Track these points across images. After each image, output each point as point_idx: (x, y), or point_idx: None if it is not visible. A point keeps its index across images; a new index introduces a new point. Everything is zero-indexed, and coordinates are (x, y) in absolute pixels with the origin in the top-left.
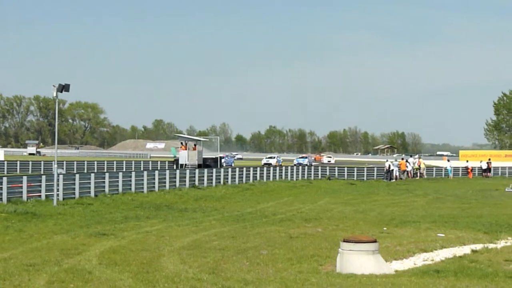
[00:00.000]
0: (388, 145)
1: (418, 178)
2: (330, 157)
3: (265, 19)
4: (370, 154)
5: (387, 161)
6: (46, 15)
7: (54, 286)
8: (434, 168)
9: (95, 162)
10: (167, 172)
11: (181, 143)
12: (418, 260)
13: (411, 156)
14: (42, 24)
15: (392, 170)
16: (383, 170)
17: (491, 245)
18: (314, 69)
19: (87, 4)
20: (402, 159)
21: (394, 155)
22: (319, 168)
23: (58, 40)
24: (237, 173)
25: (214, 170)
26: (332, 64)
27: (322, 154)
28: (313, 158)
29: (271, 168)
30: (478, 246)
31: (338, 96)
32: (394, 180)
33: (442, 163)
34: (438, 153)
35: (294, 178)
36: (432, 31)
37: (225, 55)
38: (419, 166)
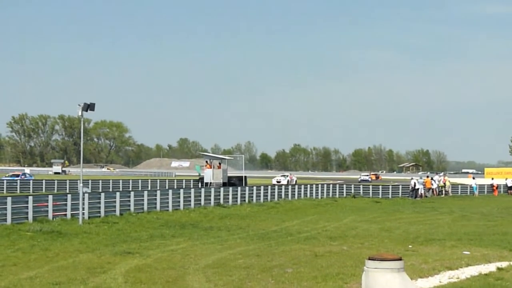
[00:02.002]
0: (413, 163)
1: (443, 195)
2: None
3: (288, 38)
4: (395, 172)
5: (412, 179)
6: (70, 34)
7: None
8: (460, 186)
9: (120, 181)
10: (192, 190)
11: (206, 161)
12: (443, 278)
13: (436, 174)
14: (67, 42)
15: (418, 188)
16: (408, 188)
17: None
18: (338, 87)
19: (112, 22)
20: (427, 176)
21: (419, 173)
22: (344, 186)
23: (83, 59)
24: (262, 191)
25: (239, 188)
26: (356, 82)
27: (381, 172)
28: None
29: (296, 186)
30: (504, 264)
31: (362, 114)
32: (419, 198)
33: (468, 181)
34: (463, 170)
35: (319, 196)
36: (457, 48)
37: (250, 74)
38: (444, 183)
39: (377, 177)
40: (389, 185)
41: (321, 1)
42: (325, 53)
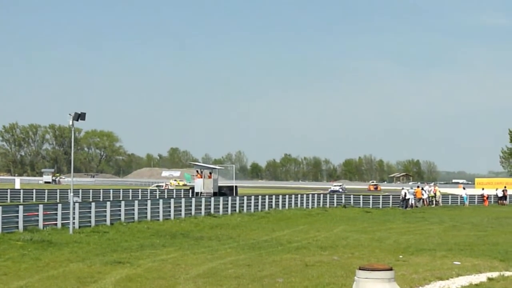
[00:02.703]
0: (404, 173)
1: (434, 206)
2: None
3: (279, 46)
4: (385, 182)
5: (402, 189)
6: (60, 43)
7: None
8: (450, 196)
9: (111, 190)
10: (183, 200)
11: (197, 171)
12: None
13: (426, 184)
14: (56, 52)
15: (408, 198)
16: (399, 198)
17: (507, 273)
18: (329, 97)
19: (101, 31)
20: (418, 187)
21: (410, 183)
22: (335, 196)
23: (73, 68)
24: (252, 201)
25: (230, 198)
26: (346, 92)
27: (371, 182)
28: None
29: (287, 196)
30: (494, 274)
31: (353, 124)
32: (410, 208)
33: (458, 191)
34: (454, 181)
35: (310, 206)
36: (446, 57)
37: (240, 83)
38: (435, 193)
39: (376, 188)
40: (379, 195)
41: (318, 9)
42: (319, 63)
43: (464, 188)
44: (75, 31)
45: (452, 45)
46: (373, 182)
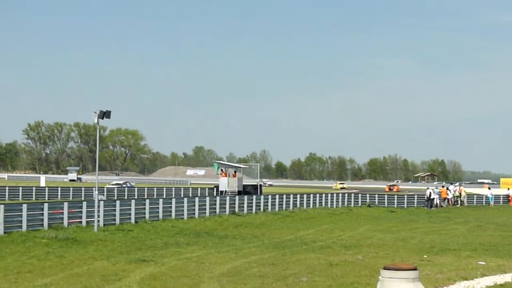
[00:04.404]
0: (429, 173)
1: (458, 205)
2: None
3: (305, 46)
4: (410, 182)
5: (428, 188)
6: (87, 41)
7: None
8: (475, 196)
9: (136, 188)
10: (207, 199)
11: (221, 170)
12: None
13: (451, 184)
14: (83, 49)
15: (433, 198)
16: (424, 197)
17: None
18: (354, 96)
19: (127, 30)
20: (443, 186)
21: (435, 183)
22: (359, 195)
23: (98, 67)
24: (277, 200)
25: (254, 197)
26: (372, 91)
27: (396, 181)
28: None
29: (311, 195)
30: None
31: (378, 123)
32: (434, 208)
33: (483, 191)
34: (479, 180)
35: (334, 205)
36: (474, 57)
37: (266, 82)
38: (460, 193)
39: (391, 189)
40: (404, 195)
41: (338, 9)
42: (342, 62)
43: (489, 188)
44: (101, 31)
45: (477, 44)
46: (398, 181)
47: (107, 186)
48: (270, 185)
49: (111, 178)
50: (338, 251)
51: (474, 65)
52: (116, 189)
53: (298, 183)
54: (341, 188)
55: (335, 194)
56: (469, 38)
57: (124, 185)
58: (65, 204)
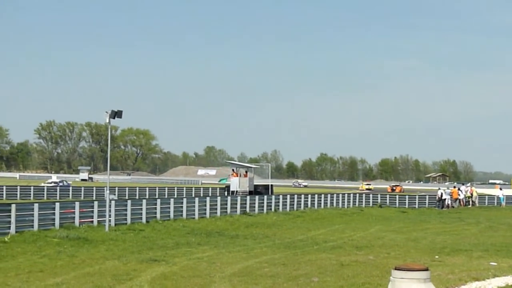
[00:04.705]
0: (440, 173)
1: (470, 206)
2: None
3: (316, 46)
4: (421, 182)
5: (439, 189)
6: (97, 42)
7: None
8: (487, 197)
9: (147, 188)
10: (219, 198)
11: (233, 169)
12: None
13: (463, 184)
14: (94, 49)
15: (444, 198)
16: (435, 198)
17: None
18: (365, 97)
19: (139, 31)
20: (454, 187)
21: (446, 183)
22: (370, 195)
23: (110, 66)
24: (288, 200)
25: (265, 197)
26: (383, 92)
27: (408, 182)
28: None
29: (322, 195)
30: None
31: (389, 123)
32: (446, 208)
33: (495, 192)
34: (490, 181)
35: (345, 206)
36: (482, 58)
37: (277, 82)
38: (472, 194)
39: (393, 189)
40: (415, 195)
41: (351, 10)
42: (353, 63)
43: (501, 189)
44: (113, 31)
45: (487, 45)
46: (409, 182)
47: (42, 184)
48: (305, 186)
49: (122, 177)
50: (349, 252)
51: (484, 65)
52: (45, 188)
53: (330, 184)
54: (367, 189)
55: (346, 194)
56: (479, 38)
57: (60, 184)
58: (77, 204)
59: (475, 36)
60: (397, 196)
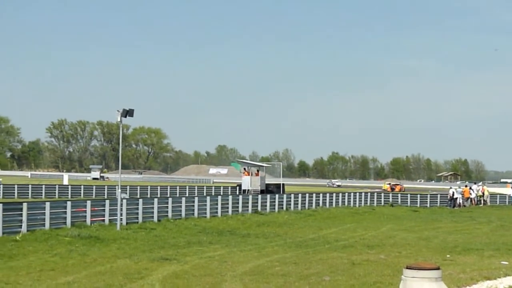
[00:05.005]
0: (452, 172)
1: (482, 205)
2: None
3: (326, 45)
4: (433, 181)
5: (450, 188)
6: (109, 40)
7: None
8: (498, 196)
9: (158, 187)
10: (230, 197)
11: (244, 168)
12: None
13: (475, 183)
14: (106, 48)
15: (456, 197)
16: (447, 197)
17: None
18: (378, 95)
19: (151, 29)
20: (466, 186)
21: (458, 182)
22: (382, 194)
23: (122, 65)
24: (299, 199)
25: (277, 196)
26: (395, 90)
27: (419, 181)
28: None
29: (334, 194)
30: None
31: (401, 122)
32: (457, 207)
33: (506, 191)
34: (502, 180)
35: (357, 205)
36: (496, 57)
37: (288, 81)
38: (483, 193)
39: (392, 188)
40: (427, 194)
41: (360, 9)
42: (365, 61)
43: None
44: (124, 29)
45: (499, 43)
46: (420, 181)
47: None
48: (339, 186)
49: (134, 176)
50: (361, 250)
51: (497, 64)
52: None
53: (362, 183)
54: (391, 188)
55: (357, 193)
56: (492, 37)
57: None
58: (88, 203)
59: (487, 35)
60: (408, 195)
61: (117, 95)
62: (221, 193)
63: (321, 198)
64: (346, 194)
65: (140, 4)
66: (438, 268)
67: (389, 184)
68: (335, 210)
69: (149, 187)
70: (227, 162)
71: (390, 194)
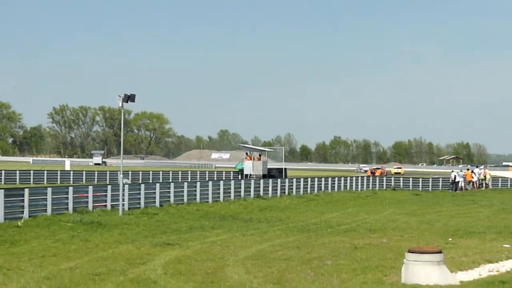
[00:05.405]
0: (454, 156)
1: (483, 188)
2: None
3: (329, 31)
4: (435, 165)
5: (452, 171)
6: (111, 25)
7: None
8: (500, 179)
9: (160, 172)
10: (232, 182)
11: (246, 153)
12: (483, 271)
13: (476, 167)
14: (107, 33)
15: (458, 181)
16: (449, 180)
17: None
18: (379, 80)
19: (153, 14)
20: (468, 169)
21: (460, 166)
22: (384, 178)
23: (123, 50)
24: (301, 183)
25: (279, 180)
26: (398, 75)
27: (397, 167)
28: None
29: (336, 179)
30: None
31: (403, 106)
32: (459, 191)
33: (508, 174)
34: (504, 163)
35: (359, 189)
36: (497, 41)
37: (290, 66)
38: (485, 176)
39: (373, 172)
40: (429, 178)
41: None
42: (367, 46)
43: None
44: (125, 14)
45: (501, 28)
46: (422, 164)
47: None
48: (366, 171)
49: (136, 162)
50: (363, 234)
51: (499, 48)
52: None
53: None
54: (395, 173)
55: (360, 178)
56: (493, 22)
57: None
58: (90, 188)
59: (489, 19)
60: (410, 179)
61: (118, 80)
62: (223, 178)
63: (323, 183)
64: (348, 178)
65: None
66: (440, 252)
67: (398, 168)
68: (337, 194)
69: (151, 172)
70: (229, 147)
71: (392, 178)
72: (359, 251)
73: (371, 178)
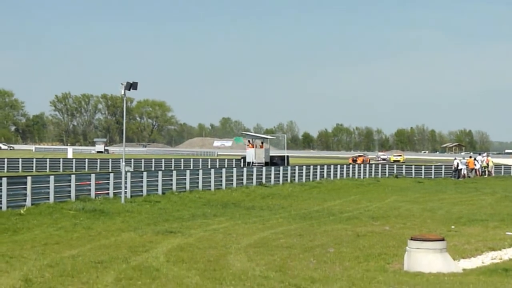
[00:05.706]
0: (456, 143)
1: (486, 176)
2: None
3: (331, 17)
4: (437, 152)
5: (455, 159)
6: (113, 13)
7: (122, 283)
8: (503, 166)
9: (163, 160)
10: (234, 170)
11: (248, 141)
12: (486, 259)
13: (479, 154)
14: (109, 21)
15: (460, 168)
16: (451, 168)
17: None
18: (381, 67)
19: (154, 2)
20: (470, 157)
21: (462, 153)
22: (387, 166)
23: (125, 38)
24: (304, 171)
25: (281, 168)
26: (400, 62)
27: (381, 154)
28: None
29: (338, 166)
30: None
31: (406, 94)
32: (462, 178)
33: (511, 161)
34: (507, 151)
35: (362, 176)
36: (501, 28)
37: (292, 54)
38: (488, 164)
39: (354, 160)
40: (431, 166)
41: None
42: (369, 33)
43: None
44: (127, 1)
45: (506, 15)
46: (425, 152)
47: None
48: (384, 160)
49: (138, 149)
50: (366, 222)
51: (502, 35)
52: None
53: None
54: (395, 161)
55: (362, 165)
56: (498, 8)
57: None
58: (93, 176)
59: (493, 5)
60: (413, 166)
61: (121, 68)
62: (226, 166)
63: (325, 170)
64: (351, 166)
65: None
66: (442, 239)
67: (398, 156)
68: (339, 182)
69: (153, 160)
70: (231, 135)
71: (395, 165)
72: (361, 239)
73: (373, 165)
